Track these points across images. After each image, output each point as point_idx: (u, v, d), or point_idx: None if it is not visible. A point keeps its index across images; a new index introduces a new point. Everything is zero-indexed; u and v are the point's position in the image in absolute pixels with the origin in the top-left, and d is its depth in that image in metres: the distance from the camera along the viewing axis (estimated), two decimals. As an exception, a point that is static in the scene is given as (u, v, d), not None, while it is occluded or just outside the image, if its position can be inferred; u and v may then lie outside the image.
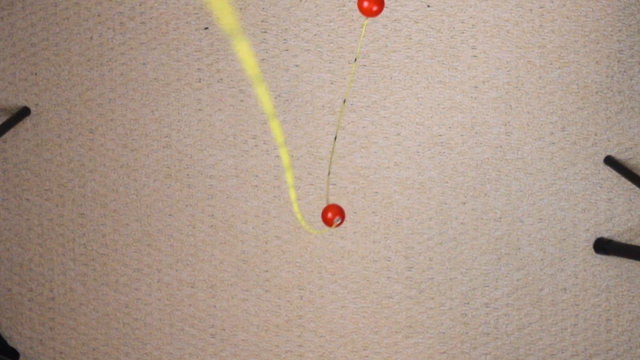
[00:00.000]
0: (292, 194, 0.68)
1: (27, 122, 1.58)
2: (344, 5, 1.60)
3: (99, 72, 1.59)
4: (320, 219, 0.79)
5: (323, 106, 1.60)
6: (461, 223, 1.62)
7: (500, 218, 1.63)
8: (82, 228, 1.59)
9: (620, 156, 1.65)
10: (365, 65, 1.60)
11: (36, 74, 1.58)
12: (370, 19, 1.58)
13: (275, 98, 1.60)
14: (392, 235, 1.62)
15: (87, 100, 1.59)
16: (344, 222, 1.62)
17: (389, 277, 1.62)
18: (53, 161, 1.59)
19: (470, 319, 1.63)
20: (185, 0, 1.59)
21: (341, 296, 1.62)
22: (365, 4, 0.75)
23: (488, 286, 1.63)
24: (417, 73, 1.61)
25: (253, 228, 1.60)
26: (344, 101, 0.81)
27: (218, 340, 1.61)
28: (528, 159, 1.63)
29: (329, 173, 0.79)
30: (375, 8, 0.75)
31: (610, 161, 1.63)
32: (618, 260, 1.65)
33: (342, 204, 1.62)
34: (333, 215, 0.81)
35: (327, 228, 0.79)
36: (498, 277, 1.63)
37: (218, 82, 1.59)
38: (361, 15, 0.77)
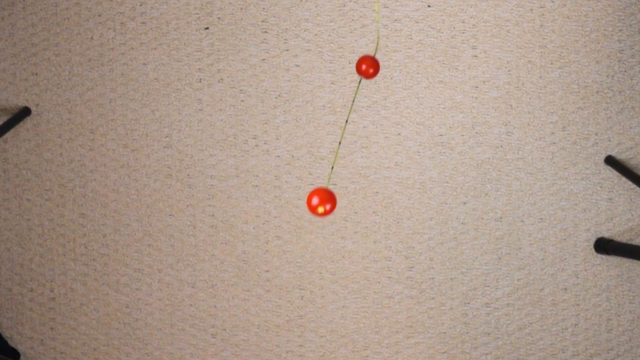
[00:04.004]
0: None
1: (27, 122, 1.58)
2: (344, 5, 1.60)
3: (100, 72, 1.59)
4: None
5: (323, 106, 1.60)
6: (462, 223, 1.62)
7: (500, 218, 1.63)
8: (82, 228, 1.59)
9: (621, 156, 1.65)
10: (365, 65, 1.60)
11: (37, 74, 1.58)
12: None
13: (276, 98, 1.60)
14: (393, 235, 1.62)
15: (87, 100, 1.59)
16: (346, 215, 1.62)
17: (389, 277, 1.62)
18: (54, 161, 1.59)
19: (471, 318, 1.63)
20: (185, 0, 1.59)
21: (342, 296, 1.62)
22: (364, 66, 0.76)
23: (489, 286, 1.63)
24: (418, 73, 1.61)
25: (254, 228, 1.60)
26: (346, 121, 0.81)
27: (219, 340, 1.61)
28: (529, 159, 1.63)
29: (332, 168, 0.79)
30: (372, 71, 0.76)
31: (610, 161, 1.63)
32: (619, 260, 1.65)
33: (343, 204, 1.62)
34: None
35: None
36: (499, 277, 1.63)
37: (219, 82, 1.60)
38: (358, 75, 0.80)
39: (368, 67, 0.78)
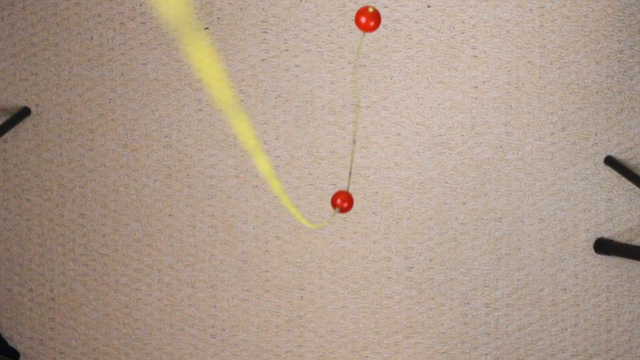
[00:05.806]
0: (285, 200, 0.68)
1: (27, 122, 1.58)
2: (344, 5, 1.60)
3: (99, 72, 1.59)
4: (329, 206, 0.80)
5: (323, 106, 1.60)
6: (461, 223, 1.62)
7: (500, 218, 1.63)
8: (82, 228, 1.59)
9: (621, 156, 1.65)
10: (365, 66, 1.61)
11: (36, 74, 1.58)
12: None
13: (276, 98, 1.60)
14: (393, 236, 1.62)
15: (87, 100, 1.59)
16: (348, 212, 1.62)
17: (389, 277, 1.62)
18: (53, 161, 1.59)
19: (471, 319, 1.63)
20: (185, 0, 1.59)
21: (341, 296, 1.62)
22: (363, 19, 0.76)
23: (488, 286, 1.63)
24: (418, 73, 1.61)
25: (253, 228, 1.60)
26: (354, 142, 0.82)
27: (218, 341, 1.61)
28: (528, 159, 1.63)
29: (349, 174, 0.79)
30: (372, 23, 0.76)
31: (610, 161, 1.63)
32: (618, 261, 1.65)
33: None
34: (342, 201, 0.81)
35: (328, 218, 0.80)
36: (498, 277, 1.63)
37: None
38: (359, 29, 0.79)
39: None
